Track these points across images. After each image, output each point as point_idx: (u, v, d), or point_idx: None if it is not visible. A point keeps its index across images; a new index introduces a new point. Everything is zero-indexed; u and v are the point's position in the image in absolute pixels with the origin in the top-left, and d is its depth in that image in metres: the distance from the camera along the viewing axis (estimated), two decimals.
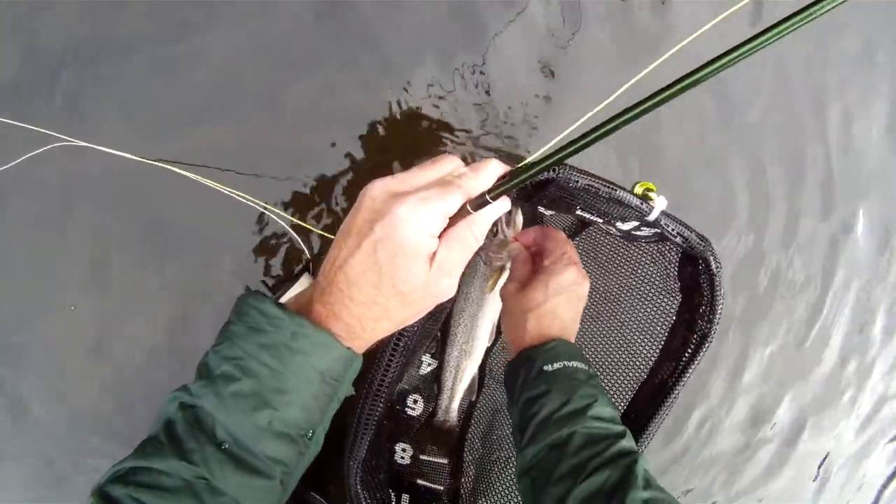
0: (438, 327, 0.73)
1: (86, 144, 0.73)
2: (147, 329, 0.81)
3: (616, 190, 0.49)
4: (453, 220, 0.43)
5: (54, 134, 0.73)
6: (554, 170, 0.46)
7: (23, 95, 0.77)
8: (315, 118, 0.82)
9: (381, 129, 0.83)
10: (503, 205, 0.44)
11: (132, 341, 0.81)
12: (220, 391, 0.40)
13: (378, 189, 0.42)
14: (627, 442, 0.52)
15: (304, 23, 0.81)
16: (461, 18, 0.85)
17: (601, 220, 0.55)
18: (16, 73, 0.77)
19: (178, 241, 0.81)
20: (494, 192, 0.42)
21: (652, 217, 0.51)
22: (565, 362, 0.56)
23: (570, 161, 0.42)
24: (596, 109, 0.72)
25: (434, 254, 0.42)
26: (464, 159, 0.46)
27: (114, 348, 0.81)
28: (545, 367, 0.55)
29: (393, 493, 0.71)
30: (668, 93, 0.37)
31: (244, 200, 0.75)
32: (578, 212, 0.53)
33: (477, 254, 0.74)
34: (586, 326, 0.77)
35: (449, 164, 0.44)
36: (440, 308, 0.61)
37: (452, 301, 0.76)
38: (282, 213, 0.79)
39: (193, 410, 0.40)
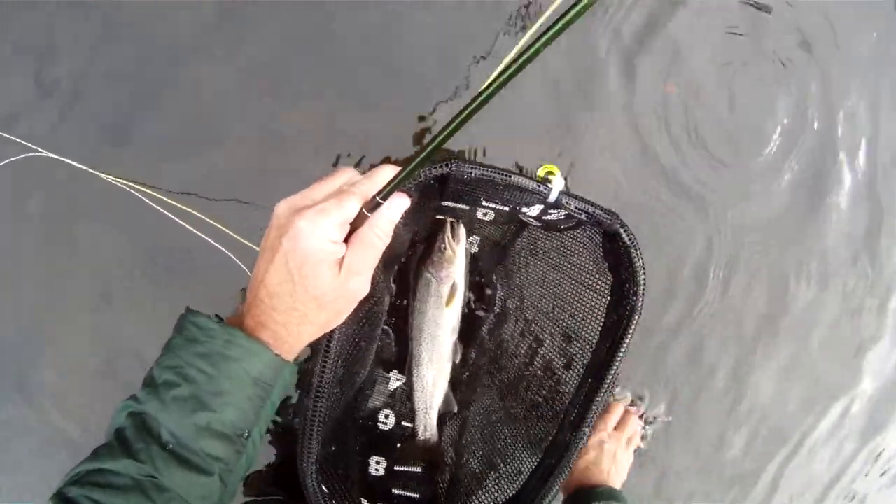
0: (379, 331, 0.76)
1: (54, 157, 0.78)
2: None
3: (510, 176, 0.53)
4: (357, 224, 0.47)
5: (27, 143, 0.77)
6: (448, 164, 0.51)
7: (12, 113, 0.83)
8: (303, 148, 0.87)
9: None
10: (399, 203, 0.48)
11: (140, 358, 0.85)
12: (163, 397, 0.45)
13: (282, 207, 0.47)
14: None
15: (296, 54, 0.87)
16: (446, 48, 0.91)
17: (507, 209, 0.58)
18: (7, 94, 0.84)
19: (166, 266, 0.86)
20: (383, 192, 0.46)
21: (552, 198, 0.55)
22: None
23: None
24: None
25: (342, 258, 0.47)
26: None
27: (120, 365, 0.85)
28: None
29: None
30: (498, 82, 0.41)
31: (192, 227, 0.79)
32: (483, 202, 0.56)
33: (427, 271, 0.77)
34: (538, 319, 0.80)
35: (345, 175, 0.49)
36: (369, 310, 0.64)
37: (411, 319, 0.79)
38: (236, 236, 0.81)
39: (141, 416, 0.45)
